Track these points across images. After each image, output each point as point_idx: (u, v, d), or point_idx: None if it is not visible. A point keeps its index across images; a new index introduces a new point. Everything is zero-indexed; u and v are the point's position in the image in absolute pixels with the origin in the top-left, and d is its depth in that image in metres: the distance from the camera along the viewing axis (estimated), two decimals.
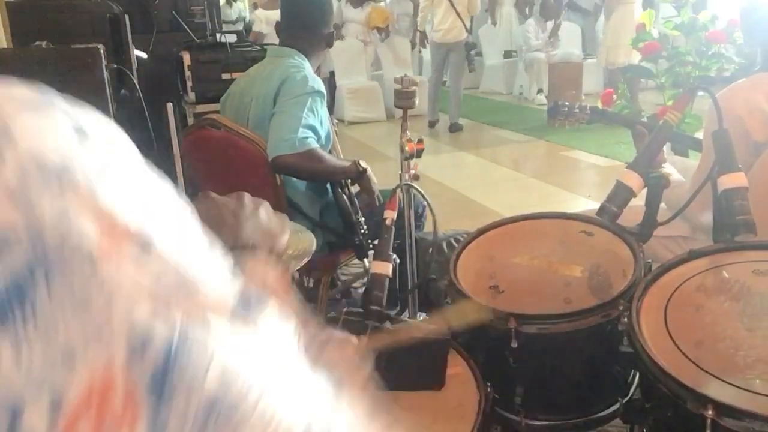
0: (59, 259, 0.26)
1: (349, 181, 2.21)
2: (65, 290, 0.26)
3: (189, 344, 0.28)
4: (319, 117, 2.11)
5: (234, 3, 9.32)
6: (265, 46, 3.48)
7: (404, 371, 1.14)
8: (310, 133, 2.03)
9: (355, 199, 2.20)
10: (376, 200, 2.20)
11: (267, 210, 0.68)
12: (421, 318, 2.01)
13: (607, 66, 7.24)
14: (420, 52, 9.74)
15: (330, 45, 2.36)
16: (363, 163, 2.16)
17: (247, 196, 0.67)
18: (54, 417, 0.25)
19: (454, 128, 7.08)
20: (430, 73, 7.28)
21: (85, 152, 0.30)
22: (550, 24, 8.58)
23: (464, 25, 6.68)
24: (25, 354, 0.25)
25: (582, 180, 5.15)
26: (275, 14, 7.44)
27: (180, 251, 0.31)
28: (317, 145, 2.05)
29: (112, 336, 0.26)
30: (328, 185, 2.22)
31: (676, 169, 1.86)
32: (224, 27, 4.69)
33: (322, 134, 2.14)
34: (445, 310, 1.00)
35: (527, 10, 9.88)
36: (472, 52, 6.77)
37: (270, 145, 2.02)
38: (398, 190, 1.70)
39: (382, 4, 8.67)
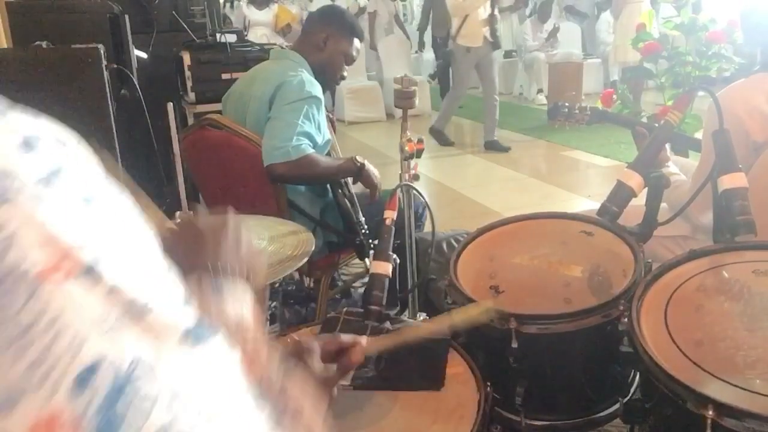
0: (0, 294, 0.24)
1: (350, 180, 2.20)
2: (7, 330, 0.24)
3: (137, 371, 0.27)
4: (315, 123, 2.09)
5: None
6: (265, 47, 3.48)
7: (404, 371, 1.14)
8: (305, 140, 2.03)
9: (356, 199, 2.19)
10: (378, 193, 2.19)
11: (248, 238, 0.67)
12: (421, 318, 2.01)
13: (618, 65, 7.23)
14: (417, 52, 9.74)
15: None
16: (360, 158, 2.15)
17: (233, 219, 0.67)
18: None
19: (489, 146, 6.22)
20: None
21: (29, 163, 0.27)
22: (546, 26, 8.59)
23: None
24: None
25: (582, 180, 5.16)
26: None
27: (129, 274, 0.29)
28: (312, 150, 2.04)
29: (54, 367, 0.25)
30: (328, 186, 2.22)
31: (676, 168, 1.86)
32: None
33: (320, 140, 2.12)
34: (449, 312, 1.01)
35: (526, 10, 9.90)
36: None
37: (264, 152, 2.01)
38: (398, 190, 1.70)
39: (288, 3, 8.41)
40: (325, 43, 2.25)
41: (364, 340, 0.87)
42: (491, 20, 5.79)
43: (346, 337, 0.85)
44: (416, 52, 9.80)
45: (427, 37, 9.09)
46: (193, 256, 0.61)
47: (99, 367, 0.26)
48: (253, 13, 7.47)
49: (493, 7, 5.77)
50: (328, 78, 2.30)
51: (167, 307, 0.31)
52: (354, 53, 2.32)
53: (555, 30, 8.64)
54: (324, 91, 2.20)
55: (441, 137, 6.44)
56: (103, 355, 0.26)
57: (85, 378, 0.25)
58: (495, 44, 5.95)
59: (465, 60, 5.93)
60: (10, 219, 0.25)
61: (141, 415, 0.26)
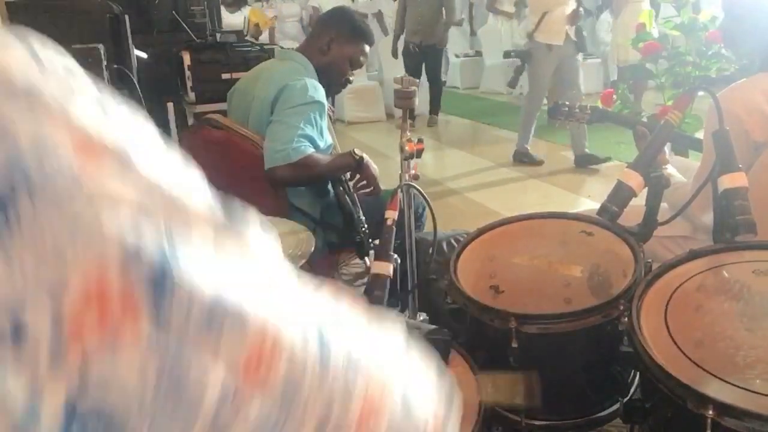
0: (40, 179, 0.26)
1: (349, 176, 2.20)
2: (51, 207, 0.26)
3: (182, 250, 0.29)
4: (318, 128, 2.09)
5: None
6: (265, 47, 3.49)
7: None
8: (305, 141, 2.02)
9: (356, 198, 2.19)
10: (379, 187, 2.19)
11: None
12: (421, 318, 2.01)
13: (618, 64, 7.21)
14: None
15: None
16: (358, 151, 2.15)
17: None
18: (57, 321, 0.25)
19: (580, 161, 5.31)
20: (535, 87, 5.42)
21: (47, 77, 0.29)
22: None
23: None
24: (16, 264, 0.25)
25: (582, 180, 5.15)
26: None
27: (159, 169, 0.31)
28: (312, 150, 2.04)
29: (103, 242, 0.27)
30: (329, 184, 2.22)
31: (676, 169, 1.86)
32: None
33: (321, 144, 2.12)
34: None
35: (526, 11, 9.90)
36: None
37: (265, 156, 2.01)
38: (399, 190, 1.70)
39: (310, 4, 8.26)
40: (329, 46, 2.22)
41: None
42: (575, 17, 4.98)
43: None
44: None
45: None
46: None
47: (144, 242, 0.28)
48: (225, 17, 7.41)
49: (578, 2, 4.94)
50: (332, 82, 2.27)
51: (196, 200, 0.33)
52: (361, 58, 2.28)
53: None
54: (328, 95, 2.19)
55: (527, 157, 5.51)
56: (146, 235, 0.28)
57: (132, 255, 0.27)
58: (580, 45, 5.10)
59: (546, 60, 5.04)
60: (46, 127, 0.27)
61: (192, 286, 0.28)
